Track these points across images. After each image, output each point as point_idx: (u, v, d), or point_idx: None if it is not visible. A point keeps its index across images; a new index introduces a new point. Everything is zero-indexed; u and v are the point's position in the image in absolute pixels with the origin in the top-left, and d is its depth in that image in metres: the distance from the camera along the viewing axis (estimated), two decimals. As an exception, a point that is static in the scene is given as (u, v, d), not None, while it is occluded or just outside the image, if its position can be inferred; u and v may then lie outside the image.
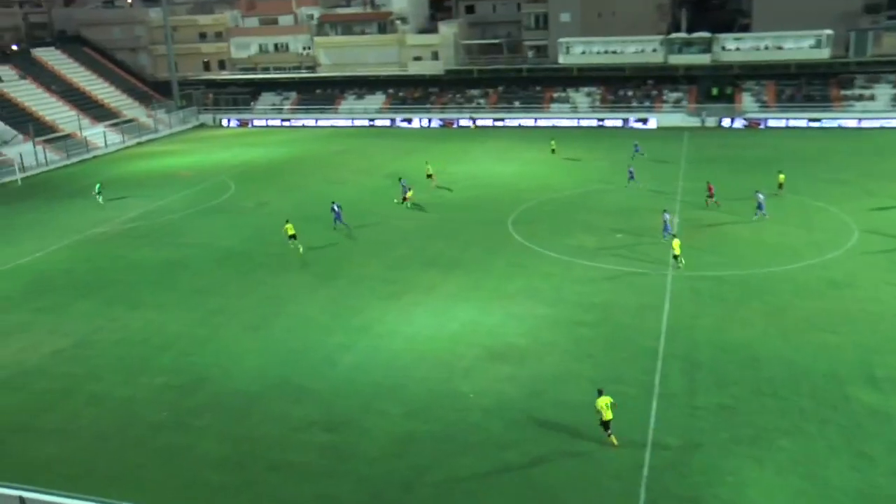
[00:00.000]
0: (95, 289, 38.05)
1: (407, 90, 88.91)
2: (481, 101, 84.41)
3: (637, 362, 28.30)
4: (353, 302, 34.62)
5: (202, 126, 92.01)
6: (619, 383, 26.84)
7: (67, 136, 76.33)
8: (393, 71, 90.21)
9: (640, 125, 75.66)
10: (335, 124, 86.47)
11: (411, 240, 42.92)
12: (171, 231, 47.27)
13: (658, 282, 35.25)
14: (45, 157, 71.23)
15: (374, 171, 60.46)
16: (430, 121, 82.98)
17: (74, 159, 72.97)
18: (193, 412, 26.65)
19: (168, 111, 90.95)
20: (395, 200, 50.34)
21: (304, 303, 34.81)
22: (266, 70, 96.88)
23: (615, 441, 23.64)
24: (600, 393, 24.16)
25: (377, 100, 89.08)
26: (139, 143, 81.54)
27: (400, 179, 51.55)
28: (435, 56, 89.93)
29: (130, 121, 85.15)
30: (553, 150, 63.77)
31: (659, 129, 74.52)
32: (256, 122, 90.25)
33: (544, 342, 30.08)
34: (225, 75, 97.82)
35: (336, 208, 45.02)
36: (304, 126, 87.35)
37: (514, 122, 79.85)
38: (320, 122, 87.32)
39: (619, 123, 76.45)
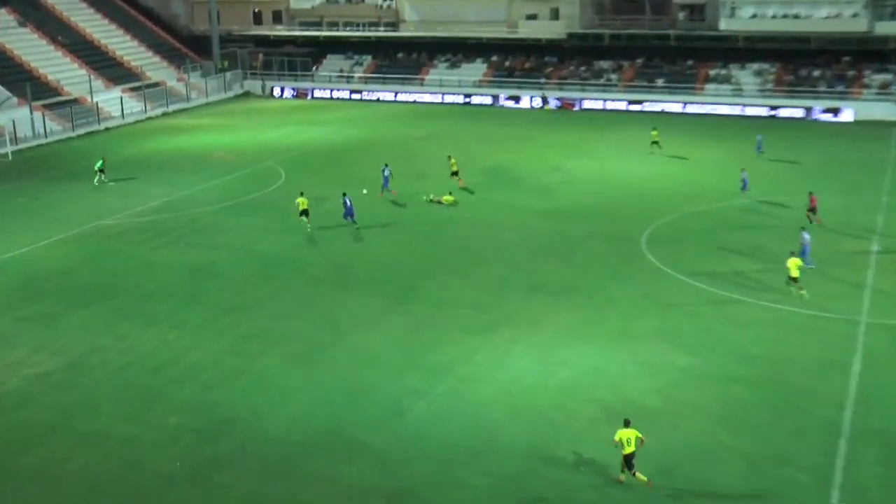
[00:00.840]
0: (98, 297, 38.88)
1: (515, 58, 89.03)
2: (612, 76, 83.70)
3: (812, 439, 27.28)
4: (432, 334, 34.44)
5: (247, 95, 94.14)
6: (786, 465, 25.90)
7: (74, 102, 79.07)
8: (498, 33, 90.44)
9: (828, 117, 73.63)
10: (419, 100, 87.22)
11: (511, 256, 42.68)
12: (199, 228, 48.16)
13: (845, 330, 34.09)
14: (45, 127, 73.91)
15: (467, 165, 60.49)
16: (543, 100, 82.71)
17: (81, 131, 75.58)
18: (214, 464, 26.74)
19: (205, 74, 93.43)
20: (425, 198, 51.39)
21: (367, 331, 34.81)
22: (334, 26, 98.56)
23: (644, 478, 24.83)
24: (626, 424, 25.28)
25: (476, 70, 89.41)
26: (165, 114, 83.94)
27: (384, 167, 53.15)
28: (554, 14, 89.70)
29: (156, 85, 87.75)
30: (655, 143, 62.50)
31: (856, 122, 72.40)
32: (318, 93, 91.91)
33: (683, 403, 29.28)
34: (280, 31, 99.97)
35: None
36: (378, 100, 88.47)
37: (655, 107, 78.86)
38: (400, 97, 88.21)
39: (798, 114, 74.61)
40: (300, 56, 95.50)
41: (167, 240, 46.29)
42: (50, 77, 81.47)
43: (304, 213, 46.57)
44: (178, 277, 40.95)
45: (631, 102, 79.68)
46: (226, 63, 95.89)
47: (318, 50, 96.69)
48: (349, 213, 46.95)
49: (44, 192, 56.19)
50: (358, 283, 39.70)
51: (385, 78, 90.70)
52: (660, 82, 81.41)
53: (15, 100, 75.68)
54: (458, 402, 29.62)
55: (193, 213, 50.69)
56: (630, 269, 40.74)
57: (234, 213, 50.59)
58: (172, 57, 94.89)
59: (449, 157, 55.97)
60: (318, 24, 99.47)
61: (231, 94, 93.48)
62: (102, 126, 77.47)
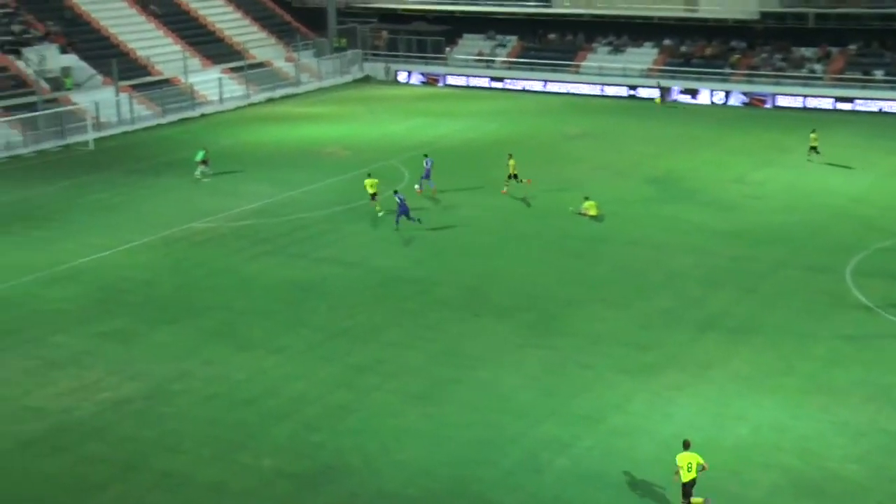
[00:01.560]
0: (185, 313, 40.17)
1: (694, 43, 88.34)
2: (816, 66, 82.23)
3: None
4: (578, 373, 34.42)
5: (367, 80, 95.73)
6: None
7: (166, 83, 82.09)
8: (673, 11, 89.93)
9: None
10: (574, 90, 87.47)
11: (680, 284, 42.40)
12: (305, 237, 49.24)
13: None
14: (131, 111, 76.81)
15: (630, 172, 60.35)
16: (727, 94, 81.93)
17: (172, 117, 78.21)
18: (314, 519, 27.33)
19: (318, 54, 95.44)
20: (571, 209, 51.73)
21: (499, 367, 34.99)
22: (473, 0, 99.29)
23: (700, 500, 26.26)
24: (686, 446, 26.47)
25: (644, 56, 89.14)
26: (270, 100, 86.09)
27: (426, 158, 56.30)
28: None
29: (261, 65, 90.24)
30: (813, 148, 61.43)
31: None
32: (451, 80, 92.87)
33: (894, 477, 28.54)
34: (410, 4, 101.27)
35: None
36: (524, 90, 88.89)
37: (870, 106, 77.12)
38: (551, 86, 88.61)
39: None
40: (432, 35, 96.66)
41: (267, 249, 47.51)
42: (139, 53, 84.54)
43: (374, 196, 51.20)
44: (278, 294, 41.99)
45: (839, 100, 78.10)
46: (343, 41, 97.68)
47: (454, 28, 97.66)
48: (404, 211, 48.75)
49: (127, 188, 58.33)
50: (491, 309, 39.97)
51: (533, 64, 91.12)
52: (878, 74, 79.55)
53: (100, 79, 78.81)
54: (609, 458, 29.48)
55: (299, 219, 51.89)
56: (830, 306, 39.89)
57: (347, 220, 51.56)
58: (281, 33, 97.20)
59: (509, 156, 56.14)
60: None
61: (348, 77, 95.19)
62: (197, 112, 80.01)
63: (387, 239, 48.55)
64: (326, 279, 43.51)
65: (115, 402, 33.02)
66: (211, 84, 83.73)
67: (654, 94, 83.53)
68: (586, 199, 51.63)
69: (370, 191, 51.45)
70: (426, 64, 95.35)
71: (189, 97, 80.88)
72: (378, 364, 35.36)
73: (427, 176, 55.59)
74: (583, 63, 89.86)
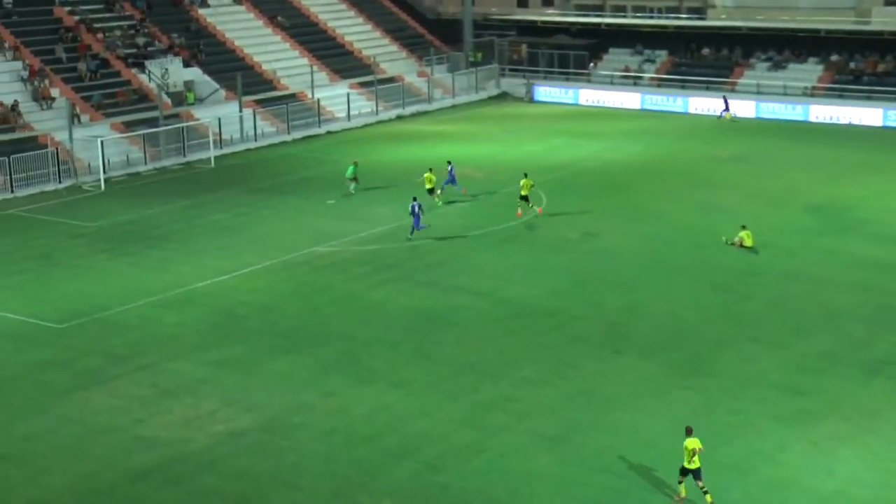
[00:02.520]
0: (305, 342, 40.59)
1: (865, 58, 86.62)
2: None
3: None
4: (727, 419, 33.92)
5: (504, 97, 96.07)
6: None
7: (291, 98, 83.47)
8: (843, 23, 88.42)
9: None
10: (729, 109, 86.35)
11: (843, 323, 41.60)
12: (433, 264, 49.48)
13: None
14: (255, 128, 78.25)
15: (788, 199, 59.42)
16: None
17: (297, 134, 79.57)
18: (436, 567, 27.35)
19: (452, 69, 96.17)
20: (724, 239, 51.19)
21: (641, 409, 34.62)
22: (620, 11, 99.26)
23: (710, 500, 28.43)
24: (690, 433, 29.20)
25: (808, 72, 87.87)
26: (400, 117, 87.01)
27: (448, 163, 60.97)
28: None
29: (391, 80, 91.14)
30: None
31: None
32: (594, 97, 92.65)
33: None
34: (551, 16, 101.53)
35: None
36: (672, 112, 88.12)
37: None
38: (699, 106, 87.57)
39: None
40: (575, 49, 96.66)
41: (392, 276, 47.89)
42: (265, 67, 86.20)
43: (431, 191, 57.07)
44: (403, 324, 42.24)
45: None
46: (479, 55, 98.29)
47: (598, 42, 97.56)
48: (416, 221, 52.18)
49: (248, 208, 59.39)
50: (633, 347, 39.65)
51: (685, 80, 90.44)
52: None
53: (222, 93, 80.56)
54: (760, 513, 29.04)
55: (427, 244, 52.20)
56: None
57: (479, 247, 51.74)
58: (413, 46, 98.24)
59: (524, 175, 56.45)
60: (599, 9, 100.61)
61: (483, 94, 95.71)
62: (323, 129, 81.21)
63: (521, 267, 48.52)
64: (455, 309, 43.64)
65: (231, 433, 33.51)
66: (338, 100, 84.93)
67: (825, 112, 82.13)
68: (743, 227, 50.90)
69: (428, 186, 57.93)
70: (567, 80, 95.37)
71: (315, 113, 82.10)
72: (508, 402, 35.29)
73: (452, 181, 60.08)
74: (739, 80, 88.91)
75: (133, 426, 33.94)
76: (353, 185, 61.07)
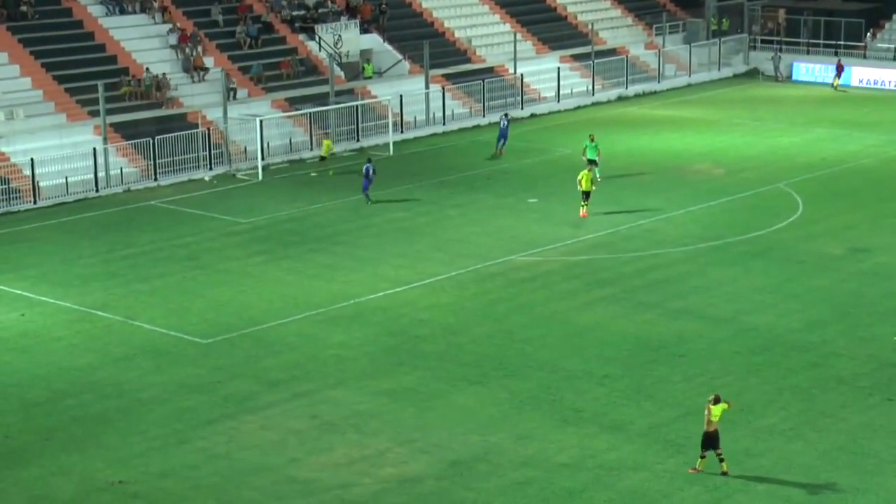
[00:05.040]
0: (496, 371, 40.50)
1: None
2: None
3: None
4: None
5: (753, 74, 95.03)
6: None
7: (489, 72, 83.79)
8: None
9: None
10: None
11: None
12: (659, 281, 49.03)
13: None
14: (444, 109, 78.67)
15: None
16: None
17: (493, 117, 79.03)
18: None
19: (689, 40, 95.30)
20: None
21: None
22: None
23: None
24: (717, 401, 32.91)
25: None
26: (622, 98, 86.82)
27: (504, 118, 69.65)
28: None
29: (612, 53, 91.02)
30: None
31: None
32: (871, 76, 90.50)
33: None
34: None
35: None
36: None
37: None
38: None
39: None
40: (847, 16, 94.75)
41: (607, 294, 47.64)
42: (457, 35, 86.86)
43: (323, 158, 61.18)
44: (617, 354, 41.88)
45: None
46: (725, 23, 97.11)
47: (878, 6, 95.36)
48: (365, 183, 58.57)
49: (432, 206, 59.93)
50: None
51: None
52: None
53: (406, 65, 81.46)
54: None
55: (652, 257, 51.91)
56: None
57: (717, 261, 51.20)
58: (641, 11, 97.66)
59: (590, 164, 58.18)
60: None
61: (727, 72, 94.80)
62: (526, 111, 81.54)
63: (770, 288, 47.72)
64: (684, 338, 43.16)
65: (402, 479, 33.69)
66: (546, 76, 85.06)
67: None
68: None
69: (324, 153, 63.01)
70: (837, 54, 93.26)
71: (517, 92, 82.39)
72: (747, 457, 34.74)
73: (504, 136, 68.83)
74: None
75: (287, 465, 34.41)
76: (595, 170, 60.07)
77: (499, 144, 68.21)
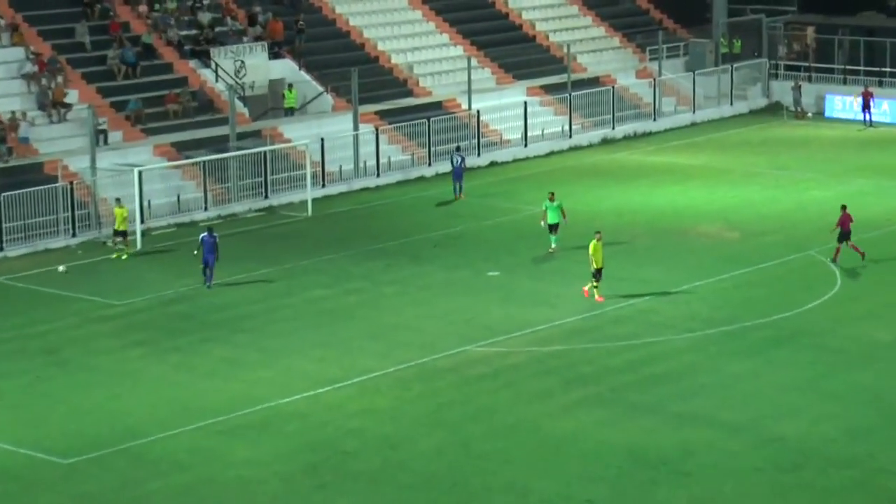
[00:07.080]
0: (450, 497, 40.03)
1: None
2: None
3: None
4: None
5: (774, 109, 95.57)
6: None
7: (435, 108, 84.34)
8: None
9: None
10: None
11: None
12: (657, 377, 49.07)
13: None
14: (379, 155, 78.69)
15: None
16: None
17: (442, 167, 78.75)
18: None
19: (692, 66, 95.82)
20: None
21: None
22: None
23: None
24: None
25: None
26: (607, 141, 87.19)
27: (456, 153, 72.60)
28: None
29: (594, 83, 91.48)
30: None
31: None
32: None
33: None
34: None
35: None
36: None
37: None
38: None
39: None
40: (891, 35, 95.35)
41: (590, 394, 47.58)
42: (395, 60, 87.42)
43: (120, 234, 63.66)
44: (604, 473, 41.57)
45: None
46: (737, 44, 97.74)
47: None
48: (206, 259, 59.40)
49: (364, 282, 60.01)
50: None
51: None
52: None
53: (330, 100, 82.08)
54: None
55: (647, 346, 52.03)
56: None
57: (731, 351, 51.36)
58: (631, 30, 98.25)
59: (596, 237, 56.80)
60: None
61: (742, 107, 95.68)
62: (484, 159, 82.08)
63: (800, 386, 47.73)
64: (690, 451, 42.99)
65: None
66: (510, 113, 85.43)
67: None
68: None
69: (117, 227, 64.23)
70: (881, 84, 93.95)
71: (472, 133, 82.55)
72: None
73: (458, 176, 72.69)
74: None
75: None
76: (553, 239, 61.11)
77: (455, 187, 69.32)
